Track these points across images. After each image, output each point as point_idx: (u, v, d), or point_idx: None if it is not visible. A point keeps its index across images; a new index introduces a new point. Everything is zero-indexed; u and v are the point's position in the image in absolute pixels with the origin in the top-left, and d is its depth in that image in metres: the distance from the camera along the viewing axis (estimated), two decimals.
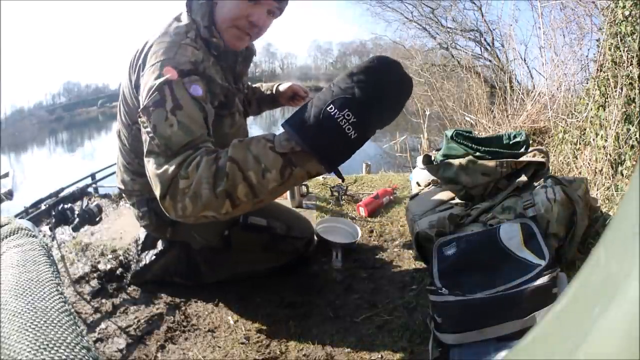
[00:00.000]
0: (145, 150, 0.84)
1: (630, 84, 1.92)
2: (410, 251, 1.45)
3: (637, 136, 1.85)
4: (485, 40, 8.62)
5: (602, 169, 1.98)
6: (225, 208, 0.75)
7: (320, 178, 2.29)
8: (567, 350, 0.22)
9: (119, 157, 1.25)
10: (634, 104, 1.90)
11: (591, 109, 2.21)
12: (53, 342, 0.40)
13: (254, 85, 1.57)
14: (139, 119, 0.87)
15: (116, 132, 1.22)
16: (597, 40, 2.38)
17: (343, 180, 1.03)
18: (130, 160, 1.20)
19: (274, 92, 1.53)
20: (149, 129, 0.83)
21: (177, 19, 1.06)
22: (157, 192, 0.80)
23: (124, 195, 1.32)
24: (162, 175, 0.78)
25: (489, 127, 3.90)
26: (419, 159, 1.84)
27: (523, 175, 1.30)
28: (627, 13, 1.94)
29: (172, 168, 0.78)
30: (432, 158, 1.49)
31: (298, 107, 0.94)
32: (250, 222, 1.24)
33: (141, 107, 0.87)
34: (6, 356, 0.38)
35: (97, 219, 1.33)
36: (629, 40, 1.93)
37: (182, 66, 0.91)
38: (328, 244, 1.45)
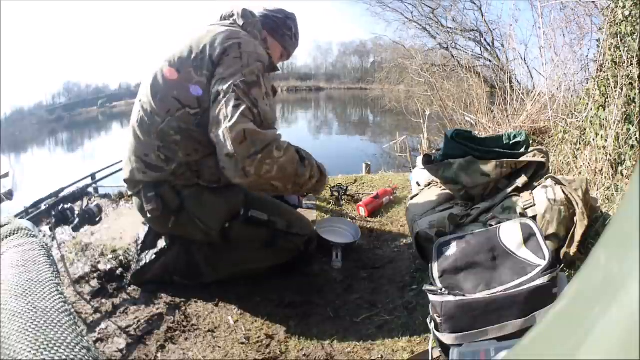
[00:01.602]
0: (235, 113, 1.07)
1: (630, 84, 1.92)
2: (410, 251, 1.45)
3: (637, 136, 1.85)
4: (485, 40, 8.64)
5: (602, 169, 1.98)
6: (288, 186, 1.18)
7: None
8: (567, 350, 0.22)
9: (132, 149, 1.24)
10: (634, 104, 1.90)
11: (591, 109, 2.21)
12: (53, 342, 0.40)
13: None
14: (226, 84, 1.10)
15: (135, 123, 1.23)
16: (597, 40, 2.37)
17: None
18: (147, 152, 1.20)
19: None
20: (246, 99, 1.10)
21: (229, 26, 1.27)
22: (252, 149, 1.07)
23: (127, 185, 1.32)
24: (262, 136, 1.08)
25: (489, 127, 3.89)
26: (419, 159, 1.85)
27: (523, 175, 1.30)
28: (627, 13, 1.94)
29: (269, 133, 1.10)
30: (432, 158, 1.49)
31: None
32: (252, 216, 1.25)
33: (237, 78, 1.11)
34: (6, 356, 0.38)
35: (97, 219, 1.33)
36: (629, 40, 1.92)
37: (264, 60, 1.21)
38: (328, 244, 1.45)
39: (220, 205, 1.24)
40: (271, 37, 1.41)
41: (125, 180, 1.30)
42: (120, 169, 1.58)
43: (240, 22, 1.32)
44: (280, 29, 1.42)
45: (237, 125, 1.07)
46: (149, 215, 1.26)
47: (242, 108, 1.08)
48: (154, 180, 1.21)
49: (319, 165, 1.29)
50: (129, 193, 1.33)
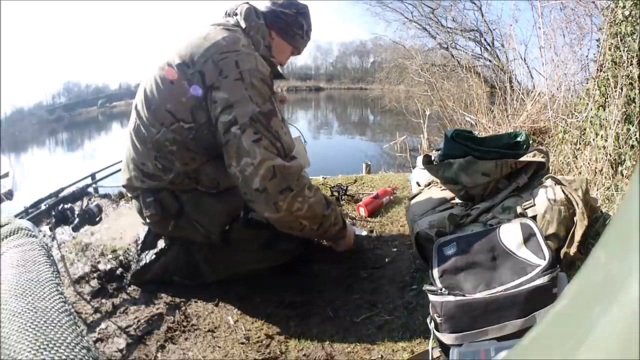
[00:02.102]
0: (257, 149, 1.06)
1: (630, 84, 1.92)
2: (411, 251, 1.45)
3: (637, 136, 1.85)
4: (485, 40, 8.65)
5: (602, 169, 1.98)
6: (314, 227, 1.19)
7: (320, 178, 2.30)
8: (567, 350, 0.22)
9: (130, 155, 1.23)
10: (634, 104, 1.90)
11: (591, 109, 2.21)
12: (53, 342, 0.40)
13: None
14: (244, 121, 1.06)
15: (132, 130, 1.21)
16: (597, 40, 2.37)
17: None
18: (144, 161, 1.19)
19: None
20: (266, 133, 1.08)
21: (230, 29, 1.18)
22: (283, 184, 1.08)
23: (126, 189, 1.31)
24: (291, 170, 1.09)
25: (489, 127, 3.89)
26: (419, 159, 1.84)
27: (523, 175, 1.30)
28: (627, 13, 1.93)
29: (295, 165, 1.12)
30: (432, 158, 1.49)
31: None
32: (252, 218, 1.25)
33: (250, 108, 1.07)
34: (6, 356, 0.38)
35: (97, 219, 1.33)
36: (629, 40, 1.92)
37: (266, 75, 1.13)
38: None
39: (219, 209, 1.23)
40: (280, 38, 1.30)
41: (123, 186, 1.30)
42: (120, 169, 1.57)
43: (243, 24, 1.22)
44: (291, 29, 1.29)
45: (264, 162, 1.06)
46: (147, 220, 1.26)
47: (263, 142, 1.07)
48: (152, 188, 1.21)
49: (342, 216, 1.30)
50: (129, 195, 1.32)
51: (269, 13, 1.26)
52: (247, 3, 1.26)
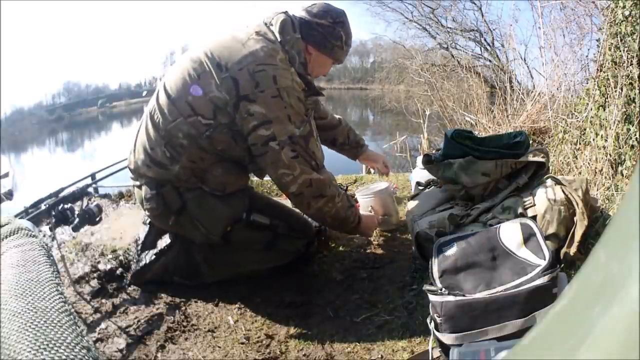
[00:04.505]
0: (296, 164, 1.16)
1: (630, 84, 1.91)
2: (410, 251, 1.45)
3: (637, 136, 1.85)
4: (485, 40, 8.65)
5: (602, 169, 1.98)
6: (335, 224, 1.33)
7: None
8: (567, 350, 0.22)
9: (141, 139, 1.22)
10: (634, 104, 1.90)
11: (591, 109, 2.21)
12: (53, 342, 0.40)
13: (347, 127, 1.70)
14: (283, 139, 1.13)
15: (148, 114, 1.21)
16: (597, 40, 2.37)
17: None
18: (154, 147, 1.18)
19: (360, 148, 1.73)
20: (304, 153, 1.18)
21: (269, 39, 1.18)
22: (317, 192, 1.20)
23: (131, 175, 1.30)
24: (324, 182, 1.22)
25: (489, 127, 3.89)
26: (419, 159, 1.84)
27: (523, 175, 1.30)
28: (627, 13, 1.93)
29: (327, 177, 1.24)
30: (432, 158, 1.48)
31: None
32: (253, 220, 1.25)
33: (290, 128, 1.13)
34: (6, 356, 0.38)
35: (97, 219, 1.33)
36: (629, 40, 1.92)
37: (301, 93, 1.18)
38: None
39: (222, 212, 1.23)
40: (317, 51, 1.25)
41: (129, 169, 1.29)
42: (121, 169, 1.57)
43: (279, 37, 1.18)
44: (328, 41, 1.24)
45: (302, 175, 1.17)
46: (147, 213, 1.26)
47: (300, 159, 1.17)
48: (158, 177, 1.20)
49: (360, 215, 1.36)
50: (132, 183, 1.31)
51: (304, 25, 1.21)
52: (285, 13, 1.21)
